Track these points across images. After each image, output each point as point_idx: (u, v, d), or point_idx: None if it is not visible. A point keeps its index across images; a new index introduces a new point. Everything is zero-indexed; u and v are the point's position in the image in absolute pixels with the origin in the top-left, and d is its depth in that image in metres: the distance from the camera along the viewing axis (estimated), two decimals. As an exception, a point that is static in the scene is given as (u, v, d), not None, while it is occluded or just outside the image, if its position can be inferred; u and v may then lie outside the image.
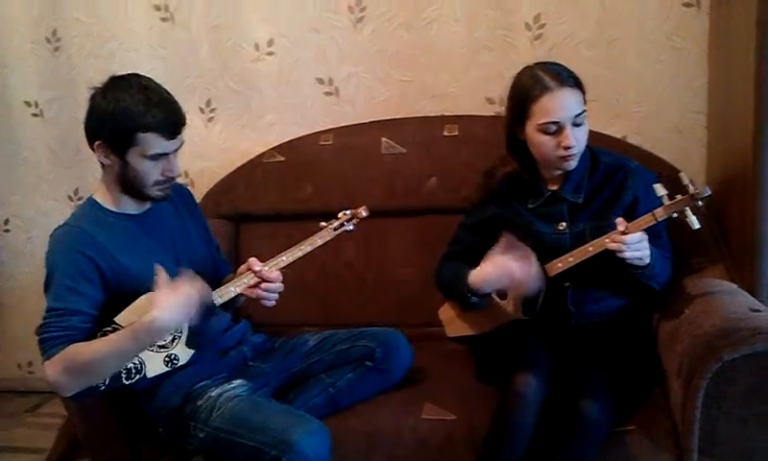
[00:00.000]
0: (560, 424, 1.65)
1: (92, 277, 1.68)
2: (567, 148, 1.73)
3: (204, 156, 2.67)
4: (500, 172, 1.93)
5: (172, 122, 1.70)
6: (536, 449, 1.66)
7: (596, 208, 1.83)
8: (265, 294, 1.79)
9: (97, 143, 1.71)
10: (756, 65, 1.76)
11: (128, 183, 1.74)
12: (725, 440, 1.63)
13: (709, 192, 1.65)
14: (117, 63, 2.64)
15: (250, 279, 1.79)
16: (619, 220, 1.69)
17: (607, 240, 1.69)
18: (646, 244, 1.68)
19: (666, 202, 1.67)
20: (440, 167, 2.34)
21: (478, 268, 1.83)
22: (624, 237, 1.65)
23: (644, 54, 2.31)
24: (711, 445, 1.63)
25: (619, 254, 1.66)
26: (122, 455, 1.92)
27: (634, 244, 1.65)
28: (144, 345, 1.66)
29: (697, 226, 1.65)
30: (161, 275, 1.64)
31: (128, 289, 1.71)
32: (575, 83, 1.75)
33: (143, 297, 1.69)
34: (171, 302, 1.61)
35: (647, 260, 1.69)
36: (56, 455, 2.49)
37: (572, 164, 1.78)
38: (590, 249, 1.74)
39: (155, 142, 1.68)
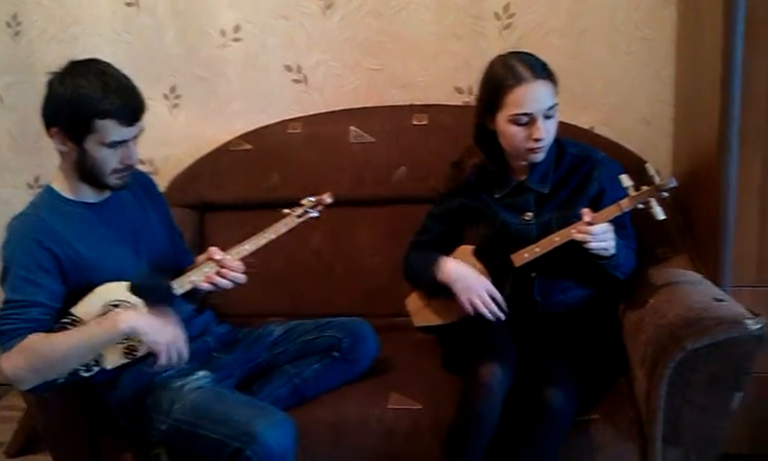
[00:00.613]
0: (525, 413, 1.65)
1: (49, 267, 1.65)
2: (537, 140, 1.73)
3: (169, 143, 2.61)
4: (468, 164, 1.92)
5: (131, 109, 1.66)
6: (501, 438, 1.66)
7: (562, 199, 1.83)
8: (225, 283, 1.75)
9: (54, 130, 1.66)
10: (723, 57, 1.78)
11: (85, 171, 1.70)
12: (688, 428, 1.65)
13: (675, 183, 1.66)
14: (80, 49, 2.57)
15: (210, 269, 1.75)
16: (585, 210, 1.69)
17: (573, 230, 1.69)
18: (611, 235, 1.68)
19: (632, 193, 1.68)
20: (408, 156, 2.33)
21: (457, 262, 1.83)
22: (590, 228, 1.65)
23: (613, 44, 2.32)
24: (675, 433, 1.65)
25: (585, 245, 1.67)
26: (82, 448, 1.89)
27: (599, 235, 1.66)
28: (108, 343, 1.63)
29: (662, 217, 1.65)
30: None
31: (86, 279, 1.67)
32: (548, 75, 1.75)
33: (101, 287, 1.66)
34: (152, 321, 1.62)
35: (612, 251, 1.69)
36: (15, 448, 2.46)
37: (540, 156, 1.78)
38: (557, 239, 1.74)
39: (112, 129, 1.64)
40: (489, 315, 1.78)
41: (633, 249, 1.83)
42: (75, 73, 1.65)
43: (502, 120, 1.76)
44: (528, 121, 1.73)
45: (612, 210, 1.69)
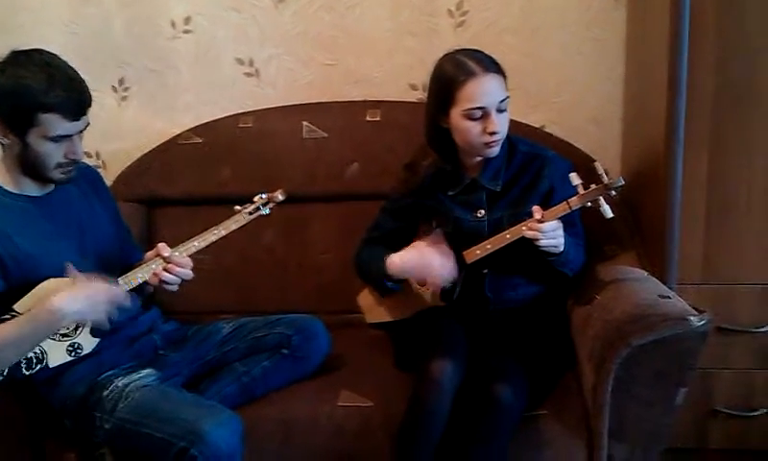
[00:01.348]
0: (474, 409, 1.66)
1: None
2: (493, 134, 1.73)
3: (117, 136, 2.56)
4: (422, 165, 1.91)
5: (76, 103, 1.61)
6: (451, 434, 1.66)
7: (514, 197, 1.84)
8: (170, 278, 1.72)
9: None
10: (669, 59, 1.81)
11: (28, 165, 1.65)
12: (633, 423, 1.67)
13: (623, 182, 1.68)
14: (25, 38, 2.48)
15: (158, 266, 1.72)
16: (535, 208, 1.70)
17: (524, 228, 1.70)
18: (561, 232, 1.70)
19: (581, 191, 1.69)
20: (362, 153, 2.32)
21: (399, 253, 1.82)
22: (540, 226, 1.67)
23: (565, 44, 2.35)
24: (621, 428, 1.67)
25: (535, 242, 1.68)
26: (24, 449, 1.83)
27: (549, 232, 1.67)
28: (44, 334, 1.58)
29: (610, 215, 1.68)
30: (71, 270, 1.57)
31: (28, 275, 1.62)
32: (497, 69, 1.76)
33: (44, 283, 1.61)
34: (74, 291, 1.54)
35: (561, 248, 1.71)
36: (-48, 450, 2.37)
37: (495, 151, 1.79)
38: (508, 236, 1.75)
39: (57, 124, 1.59)
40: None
41: (581, 246, 1.86)
42: (17, 63, 1.60)
43: (456, 116, 1.76)
44: (482, 115, 1.73)
45: (561, 208, 1.71)
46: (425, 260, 1.78)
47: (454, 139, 1.81)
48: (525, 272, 1.86)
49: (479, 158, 1.83)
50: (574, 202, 1.70)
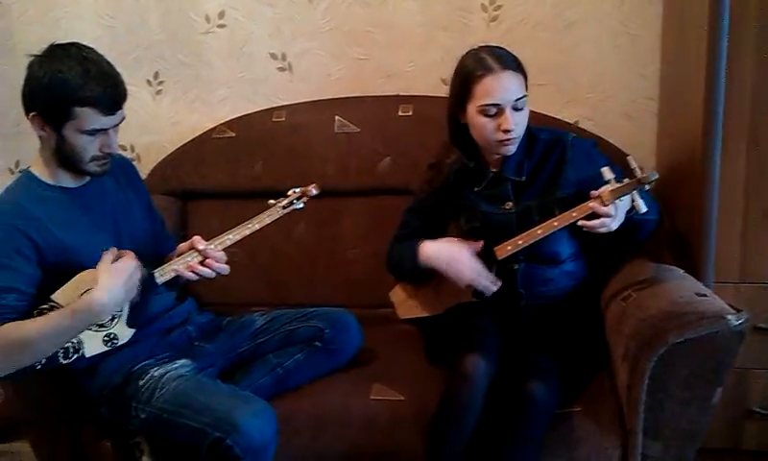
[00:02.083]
0: (507, 406, 1.65)
1: (28, 253, 1.61)
2: (506, 131, 1.72)
3: (152, 130, 2.59)
4: (446, 164, 1.91)
5: (111, 97, 1.63)
6: (483, 430, 1.66)
7: (540, 185, 1.83)
8: (206, 272, 1.73)
9: (32, 114, 1.63)
10: (708, 55, 1.78)
11: (64, 157, 1.67)
12: (668, 422, 1.65)
13: (657, 176, 1.65)
14: (62, 31, 2.54)
15: (193, 258, 1.73)
16: (594, 194, 1.65)
17: (574, 214, 1.67)
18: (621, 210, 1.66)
19: (614, 185, 1.67)
20: (393, 147, 2.32)
21: (435, 242, 1.83)
22: (606, 209, 1.62)
23: (599, 39, 2.32)
24: (655, 426, 1.65)
25: (599, 229, 1.63)
26: (61, 436, 1.86)
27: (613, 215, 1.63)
28: (83, 326, 1.60)
29: (644, 209, 1.65)
30: (105, 256, 1.58)
31: (65, 265, 1.64)
32: (517, 67, 1.75)
33: (81, 274, 1.63)
34: (112, 282, 1.56)
35: (614, 226, 1.65)
36: (-8, 435, 2.42)
37: (511, 149, 1.78)
38: (539, 231, 1.74)
39: (92, 117, 1.61)
40: (481, 287, 1.77)
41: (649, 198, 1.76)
42: (55, 57, 1.62)
43: (472, 111, 1.76)
44: (496, 112, 1.72)
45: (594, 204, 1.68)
46: (457, 251, 1.78)
47: (472, 135, 1.80)
48: (562, 263, 1.85)
49: (498, 155, 1.82)
50: (606, 196, 1.67)
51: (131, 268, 1.61)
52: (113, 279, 1.57)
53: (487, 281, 1.77)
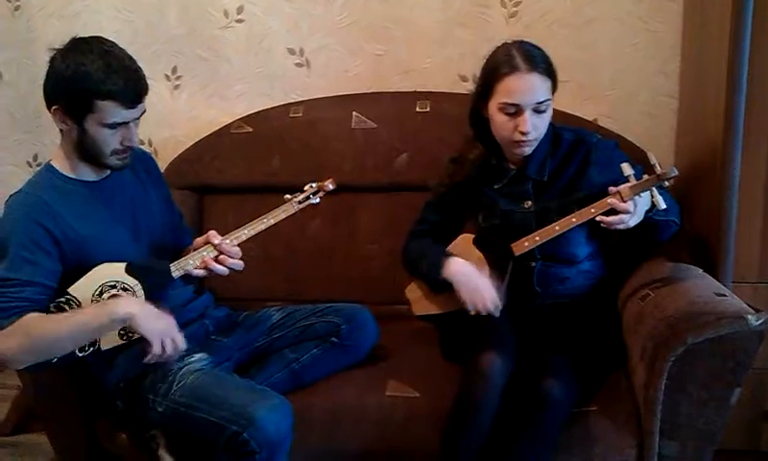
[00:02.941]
0: (523, 404, 1.65)
1: (48, 246, 1.63)
2: (523, 133, 1.71)
3: (169, 124, 2.60)
4: (468, 159, 1.90)
5: (132, 90, 1.63)
6: (499, 428, 1.66)
7: (561, 186, 1.82)
8: (220, 269, 1.73)
9: (54, 108, 1.64)
10: (730, 53, 1.77)
11: (85, 151, 1.68)
12: (685, 422, 1.64)
13: (676, 173, 1.63)
14: (81, 25, 2.56)
15: (209, 253, 1.74)
16: (612, 190, 1.65)
17: (592, 210, 1.66)
18: (641, 207, 1.65)
19: (633, 181, 1.66)
20: (410, 143, 2.31)
21: (463, 263, 1.81)
22: (624, 205, 1.61)
23: (619, 36, 2.31)
24: (672, 427, 1.65)
25: (617, 226, 1.63)
26: (77, 428, 1.88)
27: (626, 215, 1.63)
28: (107, 331, 1.62)
29: (663, 206, 1.64)
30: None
31: (84, 258, 1.66)
32: (546, 70, 1.72)
33: (98, 267, 1.65)
34: (154, 314, 1.61)
35: (632, 223, 1.64)
36: (9, 427, 2.45)
37: (526, 151, 1.77)
38: (557, 228, 1.73)
39: (113, 111, 1.62)
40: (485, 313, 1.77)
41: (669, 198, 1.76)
42: (77, 50, 1.63)
43: (493, 107, 1.75)
44: (516, 112, 1.71)
45: (614, 200, 1.67)
46: (478, 279, 1.78)
47: (491, 130, 1.80)
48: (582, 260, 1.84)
49: (515, 153, 1.81)
50: (626, 192, 1.66)
51: (170, 319, 1.65)
52: (158, 319, 1.63)
53: (493, 308, 1.76)
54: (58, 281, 1.64)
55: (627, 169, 1.67)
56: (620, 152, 1.84)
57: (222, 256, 1.73)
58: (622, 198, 1.64)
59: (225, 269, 1.74)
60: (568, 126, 1.90)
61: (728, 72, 1.78)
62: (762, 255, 1.91)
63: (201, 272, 1.74)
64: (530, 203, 1.83)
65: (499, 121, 1.74)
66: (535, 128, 1.72)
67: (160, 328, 1.63)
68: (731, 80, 1.78)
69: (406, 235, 2.01)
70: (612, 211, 1.64)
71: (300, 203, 1.86)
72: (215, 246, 1.74)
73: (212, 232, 1.77)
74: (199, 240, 1.81)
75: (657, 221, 1.70)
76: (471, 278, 1.79)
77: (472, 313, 1.78)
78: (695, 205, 2.05)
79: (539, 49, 1.75)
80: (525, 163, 1.83)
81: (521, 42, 1.77)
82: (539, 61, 1.71)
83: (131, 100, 1.64)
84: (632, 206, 1.62)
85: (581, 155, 1.82)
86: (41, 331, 1.57)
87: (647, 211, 1.67)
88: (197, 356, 1.76)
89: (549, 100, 1.73)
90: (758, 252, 1.91)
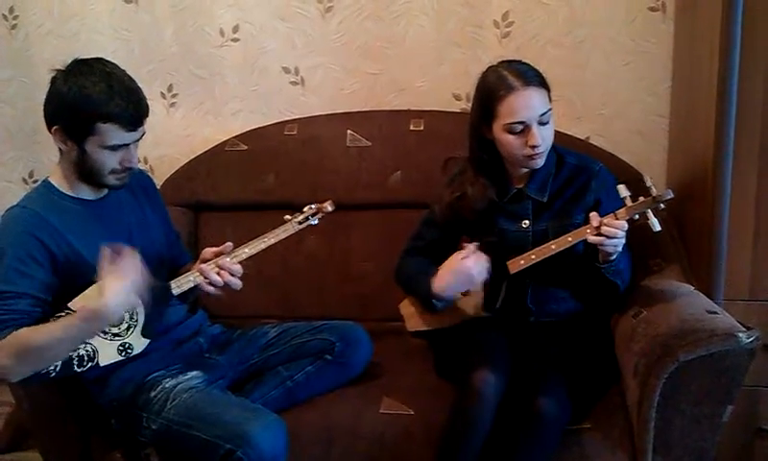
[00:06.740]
0: (517, 421, 1.65)
1: (42, 260, 1.63)
2: (534, 147, 1.73)
3: (165, 142, 2.62)
4: (470, 199, 1.86)
5: (134, 113, 1.64)
6: (493, 446, 1.66)
7: (559, 208, 1.84)
8: (217, 279, 1.72)
9: (55, 128, 1.65)
10: (720, 71, 1.79)
11: (84, 171, 1.69)
12: (679, 440, 1.65)
13: (672, 195, 1.66)
14: (79, 45, 2.57)
15: (210, 270, 1.74)
16: (593, 215, 1.68)
17: (588, 230, 1.68)
18: (622, 235, 1.67)
19: (629, 203, 1.68)
20: (404, 162, 2.33)
21: (438, 277, 1.82)
22: (616, 222, 1.64)
23: (610, 56, 2.33)
24: (665, 444, 1.65)
25: (601, 246, 1.66)
26: (71, 445, 1.87)
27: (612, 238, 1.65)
28: (94, 331, 1.61)
29: (658, 228, 1.66)
30: (105, 256, 1.57)
31: (81, 275, 1.66)
32: (540, 82, 1.75)
33: (97, 284, 1.64)
34: (117, 286, 1.54)
35: (619, 249, 1.68)
36: (2, 443, 2.43)
37: (539, 162, 1.78)
38: (553, 246, 1.74)
39: (114, 133, 1.63)
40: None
41: (629, 259, 1.84)
42: (79, 72, 1.63)
43: (498, 130, 1.77)
44: (523, 129, 1.73)
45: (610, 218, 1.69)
46: (463, 270, 1.78)
47: (498, 151, 1.81)
48: (572, 286, 1.85)
49: (525, 170, 1.83)
50: (621, 214, 1.68)
51: (133, 269, 1.58)
52: (115, 281, 1.55)
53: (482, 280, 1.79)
54: (53, 295, 1.65)
55: (623, 191, 1.68)
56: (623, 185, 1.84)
57: (222, 271, 1.73)
58: (617, 218, 1.66)
59: (221, 280, 1.72)
60: (573, 150, 1.92)
61: (718, 92, 1.80)
62: (753, 273, 1.92)
63: (205, 286, 1.72)
64: (528, 222, 1.84)
65: (507, 141, 1.76)
66: (543, 139, 1.74)
67: (130, 296, 1.56)
68: (720, 99, 1.80)
69: (400, 253, 2.02)
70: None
71: (299, 223, 1.86)
72: (219, 265, 1.73)
73: (206, 250, 1.76)
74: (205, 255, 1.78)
75: (603, 274, 1.72)
76: (454, 267, 1.80)
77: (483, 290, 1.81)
78: (686, 223, 2.07)
79: (525, 64, 1.78)
80: (527, 183, 1.84)
81: (508, 62, 1.79)
82: (531, 75, 1.74)
83: (132, 123, 1.65)
84: (626, 226, 1.64)
85: (582, 180, 1.84)
86: (33, 340, 1.55)
87: (599, 264, 1.69)
88: (191, 374, 1.76)
89: (550, 109, 1.75)
90: (749, 269, 1.92)
